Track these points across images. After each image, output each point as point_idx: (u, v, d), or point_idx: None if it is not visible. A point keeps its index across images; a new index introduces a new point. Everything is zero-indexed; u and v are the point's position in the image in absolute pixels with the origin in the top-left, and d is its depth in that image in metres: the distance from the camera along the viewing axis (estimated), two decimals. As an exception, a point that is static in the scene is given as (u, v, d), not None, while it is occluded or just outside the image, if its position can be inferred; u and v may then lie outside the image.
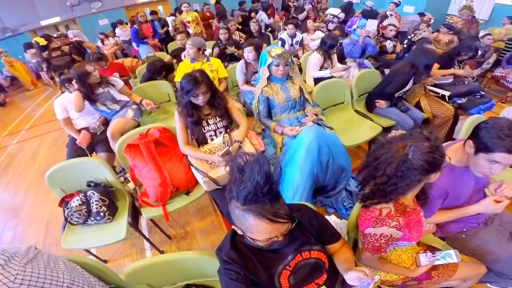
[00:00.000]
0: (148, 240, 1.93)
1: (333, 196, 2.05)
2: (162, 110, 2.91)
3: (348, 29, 3.85)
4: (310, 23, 4.35)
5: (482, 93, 2.78)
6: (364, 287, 0.82)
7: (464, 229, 1.33)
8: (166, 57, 3.78)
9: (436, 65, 2.91)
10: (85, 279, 0.98)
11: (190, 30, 5.15)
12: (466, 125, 1.77)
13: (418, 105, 2.62)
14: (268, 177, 0.73)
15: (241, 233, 0.85)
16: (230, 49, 3.61)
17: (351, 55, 3.31)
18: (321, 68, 3.03)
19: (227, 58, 3.64)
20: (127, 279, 1.09)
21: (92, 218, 1.69)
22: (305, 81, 3.10)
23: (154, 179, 1.69)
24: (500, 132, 0.97)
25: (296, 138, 1.84)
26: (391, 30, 3.63)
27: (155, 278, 1.17)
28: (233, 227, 0.89)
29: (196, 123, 1.74)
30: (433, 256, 1.12)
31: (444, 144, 1.28)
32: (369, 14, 5.92)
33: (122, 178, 2.20)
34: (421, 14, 5.66)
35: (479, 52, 3.56)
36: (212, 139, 1.80)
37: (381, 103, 2.46)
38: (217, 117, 1.80)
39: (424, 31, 4.15)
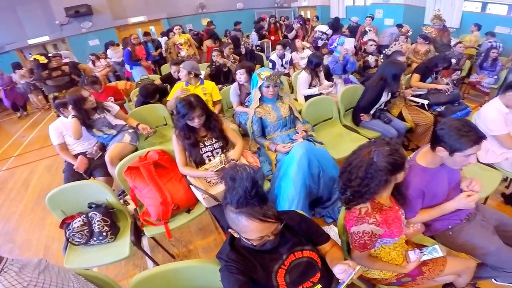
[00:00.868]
0: (151, 258, 1.96)
1: (330, 206, 2.16)
2: (159, 134, 2.94)
3: (330, 47, 4.06)
4: (298, 42, 4.53)
5: (460, 101, 2.98)
6: (346, 278, 0.90)
7: (450, 226, 1.43)
8: (158, 81, 3.75)
9: (416, 77, 3.10)
10: None
11: (183, 52, 5.24)
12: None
13: (400, 116, 2.79)
14: (255, 182, 0.89)
15: (237, 236, 0.97)
16: (226, 60, 3.68)
17: (335, 72, 3.49)
18: (310, 86, 3.18)
19: (221, 79, 3.71)
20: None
21: (95, 238, 1.73)
22: (296, 100, 3.25)
23: (155, 199, 1.76)
24: (461, 131, 1.12)
25: (288, 154, 1.96)
26: (371, 45, 3.82)
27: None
28: (229, 230, 1.00)
29: (194, 145, 1.84)
30: (421, 252, 1.22)
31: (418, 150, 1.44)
32: (354, 29, 6.12)
33: (121, 201, 2.23)
34: (399, 26, 5.88)
35: (453, 61, 3.79)
36: (209, 160, 1.90)
37: (365, 117, 2.62)
38: (213, 139, 1.90)
39: (400, 44, 4.32)
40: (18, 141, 5.29)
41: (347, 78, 3.55)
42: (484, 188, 1.75)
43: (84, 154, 2.48)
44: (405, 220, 1.27)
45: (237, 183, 0.88)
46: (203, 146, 1.88)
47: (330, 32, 5.19)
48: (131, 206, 2.03)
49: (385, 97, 2.62)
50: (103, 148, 2.59)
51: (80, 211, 1.83)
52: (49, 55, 4.09)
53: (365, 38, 4.11)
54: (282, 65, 4.20)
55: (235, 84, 2.93)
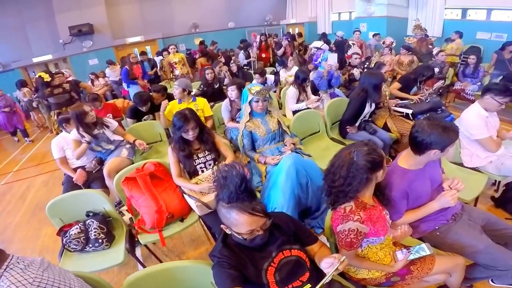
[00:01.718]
0: (144, 266, 2.00)
1: (319, 216, 2.22)
2: (154, 150, 3.06)
3: (314, 63, 4.15)
4: (290, 63, 4.65)
5: (443, 108, 3.10)
6: (332, 269, 0.96)
7: (436, 227, 1.47)
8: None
9: (397, 85, 3.22)
10: None
11: (177, 71, 5.47)
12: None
13: (386, 127, 2.89)
14: (243, 178, 0.99)
15: (229, 232, 1.06)
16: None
17: (320, 88, 3.59)
18: (298, 100, 3.30)
19: (212, 97, 3.84)
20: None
21: (91, 245, 1.80)
22: (285, 115, 3.36)
23: (150, 207, 1.85)
24: (438, 130, 1.24)
25: (277, 165, 2.08)
26: (356, 58, 3.97)
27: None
28: (221, 226, 1.09)
29: (188, 156, 1.97)
30: (408, 252, 1.26)
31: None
32: (340, 44, 6.20)
33: (117, 212, 2.32)
34: (375, 35, 5.98)
35: (436, 70, 3.89)
36: (202, 171, 2.02)
37: (351, 129, 2.74)
38: (206, 151, 2.03)
39: (381, 55, 4.46)
40: (17, 158, 5.40)
41: (333, 92, 3.66)
42: (471, 190, 1.86)
43: (83, 167, 2.59)
44: (390, 221, 1.32)
45: (228, 180, 0.98)
46: (196, 158, 2.01)
47: (326, 47, 5.20)
48: (126, 217, 2.13)
49: (368, 108, 2.72)
50: (101, 162, 2.70)
51: (77, 220, 1.91)
52: (52, 72, 4.23)
53: (350, 52, 4.23)
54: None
55: (226, 101, 3.07)
